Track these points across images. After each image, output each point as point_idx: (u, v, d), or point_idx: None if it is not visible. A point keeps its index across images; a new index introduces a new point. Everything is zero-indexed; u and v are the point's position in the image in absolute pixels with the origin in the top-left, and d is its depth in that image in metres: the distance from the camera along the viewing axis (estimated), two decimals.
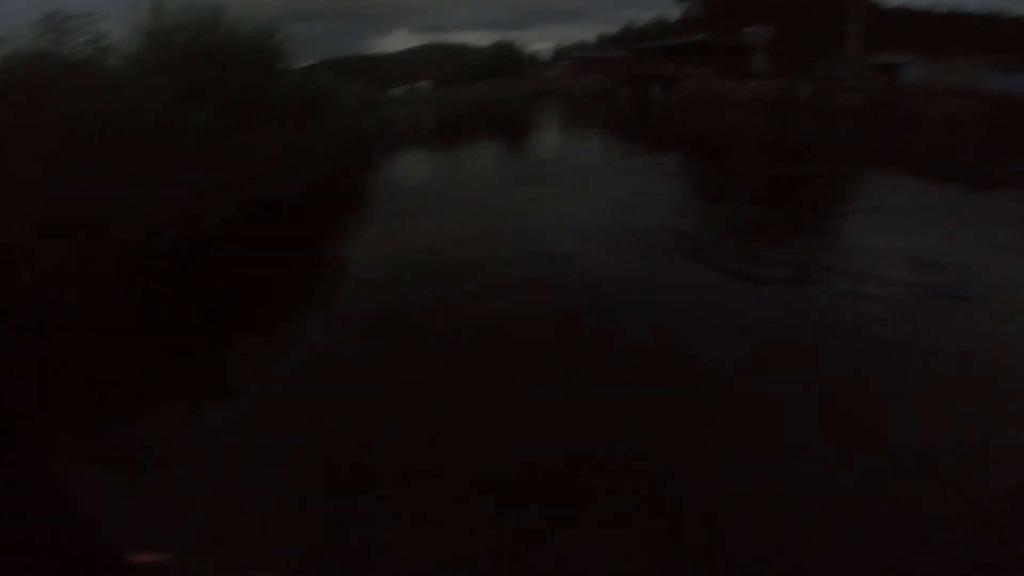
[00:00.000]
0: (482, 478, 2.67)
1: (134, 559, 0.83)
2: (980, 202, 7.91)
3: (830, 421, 3.02)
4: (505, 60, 62.87)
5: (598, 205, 8.43)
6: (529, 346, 4.05)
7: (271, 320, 5.06)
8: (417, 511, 2.45)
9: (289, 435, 3.10)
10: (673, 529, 2.33)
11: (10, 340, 4.22)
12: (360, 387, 3.66)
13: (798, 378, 3.49)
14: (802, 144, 15.38)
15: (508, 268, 5.64)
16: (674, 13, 53.17)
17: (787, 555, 2.16)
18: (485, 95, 47.65)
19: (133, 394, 3.76)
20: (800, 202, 8.52)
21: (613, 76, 40.75)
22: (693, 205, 8.91)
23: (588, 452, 2.85)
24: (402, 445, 2.96)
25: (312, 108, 12.02)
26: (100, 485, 2.80)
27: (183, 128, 6.91)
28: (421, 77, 77.15)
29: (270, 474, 2.76)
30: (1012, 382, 3.41)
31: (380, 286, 5.59)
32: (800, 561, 2.14)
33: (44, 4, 6.65)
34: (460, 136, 21.37)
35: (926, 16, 35.41)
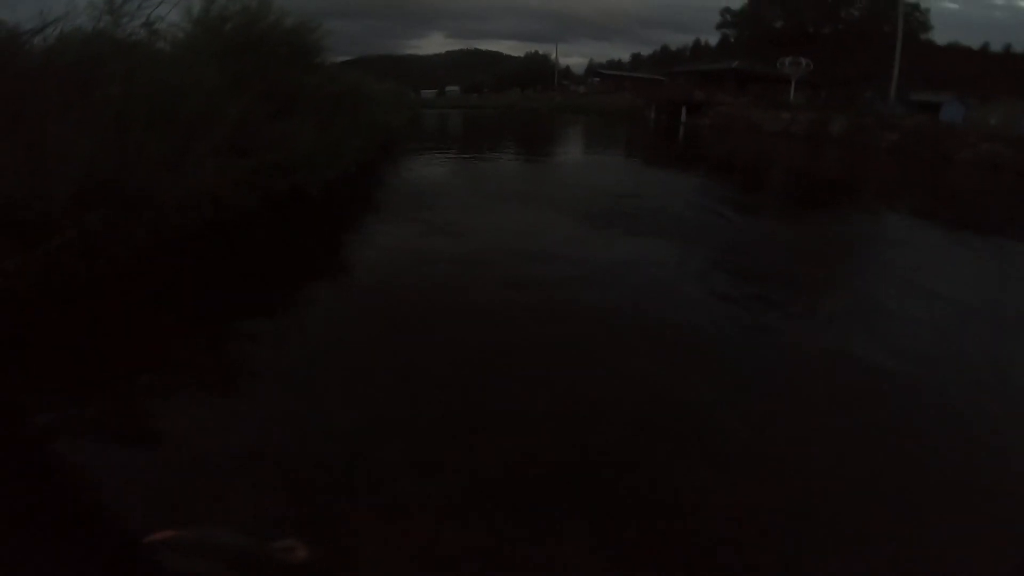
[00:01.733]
0: None
1: (153, 539, 0.79)
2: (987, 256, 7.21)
3: None
4: (537, 71, 63.36)
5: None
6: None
7: (267, 301, 5.07)
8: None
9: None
10: None
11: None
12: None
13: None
14: (823, 180, 14.89)
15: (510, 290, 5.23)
16: (712, 38, 53.44)
17: None
18: (515, 104, 48.06)
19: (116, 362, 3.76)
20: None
21: (644, 96, 40.79)
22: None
23: None
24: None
25: (346, 104, 12.10)
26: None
27: (223, 114, 6.99)
28: (453, 81, 78.08)
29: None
30: None
31: (376, 280, 5.60)
32: None
33: None
34: (486, 144, 21.25)
35: (974, 55, 34.97)
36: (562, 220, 8.24)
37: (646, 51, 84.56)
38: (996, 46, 44.38)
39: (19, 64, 5.31)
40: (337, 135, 10.45)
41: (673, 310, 4.86)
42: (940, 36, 37.39)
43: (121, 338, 4.07)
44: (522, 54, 77.92)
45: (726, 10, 43.50)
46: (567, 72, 75.40)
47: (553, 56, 65.82)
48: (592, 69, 68.43)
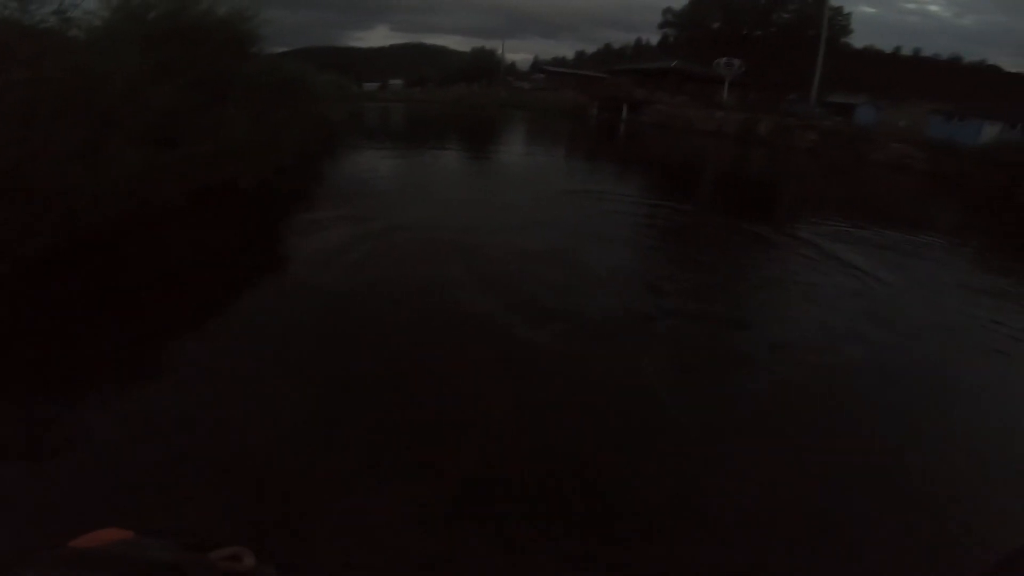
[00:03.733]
0: None
1: (76, 545, 0.67)
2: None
3: None
4: (483, 67, 63.11)
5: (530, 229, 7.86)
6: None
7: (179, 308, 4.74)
8: None
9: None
10: None
11: None
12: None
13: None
14: (753, 182, 15.62)
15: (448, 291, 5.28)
16: (654, 37, 55.03)
17: None
18: (459, 99, 47.68)
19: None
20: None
21: (587, 93, 41.59)
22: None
23: None
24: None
25: (283, 95, 11.60)
26: None
27: (142, 103, 6.65)
28: (397, 75, 76.47)
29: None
30: None
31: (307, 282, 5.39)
32: None
33: None
34: (428, 140, 20.89)
35: (887, 58, 37.66)
36: (486, 222, 8.20)
37: (591, 49, 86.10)
38: (907, 50, 48.10)
39: None
40: (273, 127, 10.05)
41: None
42: (857, 40, 40.13)
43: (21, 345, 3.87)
44: (468, 49, 77.20)
45: (668, 10, 44.86)
46: (513, 68, 75.54)
47: (499, 52, 65.90)
48: (537, 66, 69.04)
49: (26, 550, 0.62)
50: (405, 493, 2.56)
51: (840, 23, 37.35)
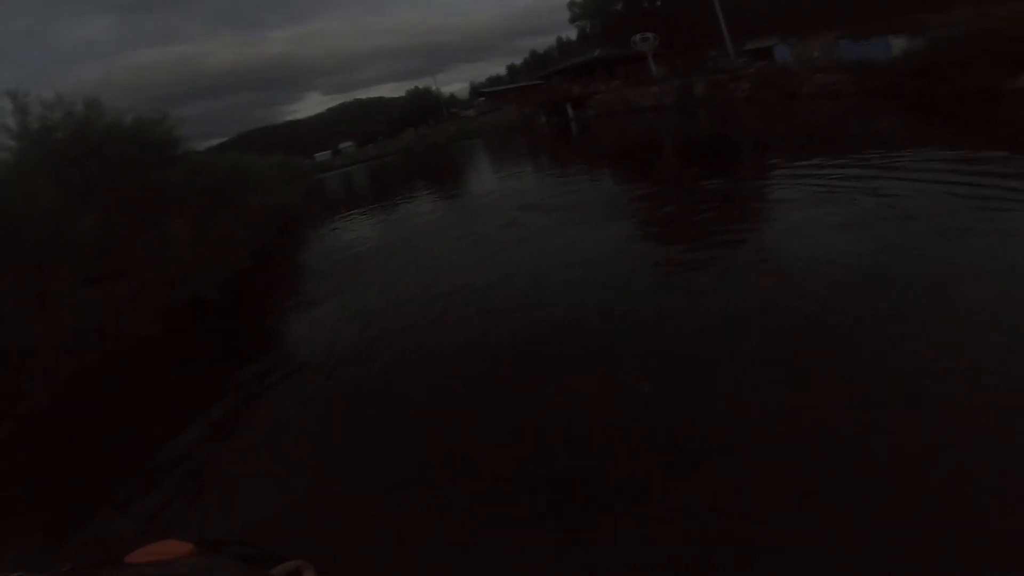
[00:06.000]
0: None
1: (141, 554, 0.65)
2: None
3: None
4: (424, 106, 64.51)
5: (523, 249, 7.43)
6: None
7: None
8: None
9: None
10: None
11: None
12: None
13: None
14: (706, 137, 16.20)
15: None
16: (571, 33, 56.49)
17: None
18: (411, 144, 48.65)
19: None
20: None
21: (529, 103, 42.48)
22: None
23: None
24: None
25: (224, 193, 11.05)
26: None
27: (73, 235, 6.18)
28: (343, 137, 77.70)
29: None
30: None
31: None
32: None
33: None
34: (393, 190, 20.18)
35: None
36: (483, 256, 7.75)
37: (517, 60, 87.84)
38: None
39: None
40: (218, 230, 9.40)
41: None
42: None
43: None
44: (404, 93, 78.66)
45: (573, 3, 45.76)
46: (453, 99, 77.25)
47: (434, 87, 67.48)
48: (475, 90, 70.38)
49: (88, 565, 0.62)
50: None
51: None
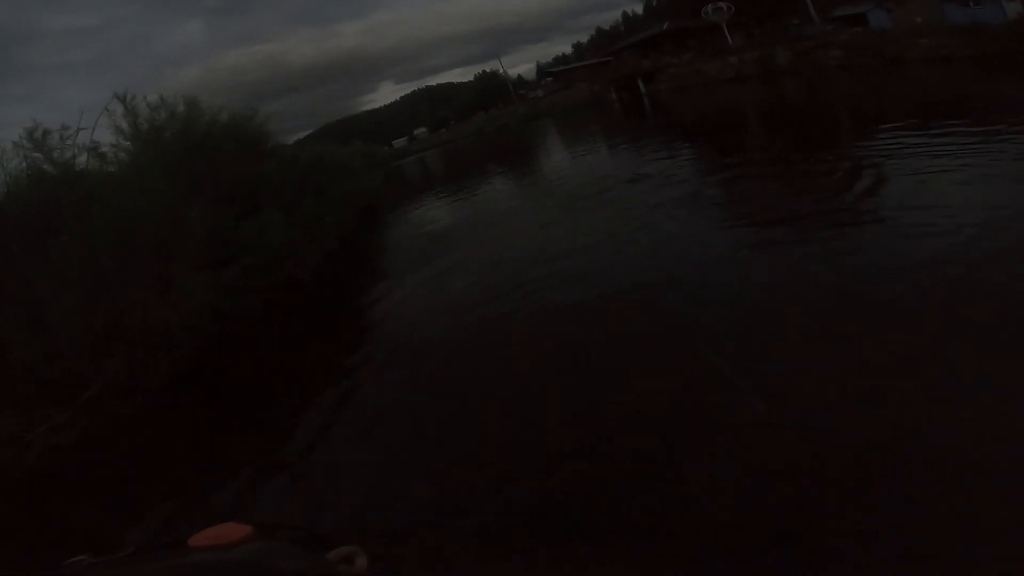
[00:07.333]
0: None
1: (202, 538, 0.67)
2: None
3: None
4: (493, 89, 64.89)
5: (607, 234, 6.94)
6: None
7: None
8: None
9: None
10: None
11: None
12: None
13: None
14: (819, 106, 14.01)
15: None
16: (637, 7, 54.53)
17: None
18: (482, 126, 49.21)
19: None
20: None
21: (598, 80, 41.72)
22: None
23: None
24: None
25: (311, 182, 11.70)
26: None
27: (186, 226, 6.91)
28: (416, 123, 79.96)
29: None
30: None
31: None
32: None
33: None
34: (468, 174, 19.93)
35: None
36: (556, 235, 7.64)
37: (583, 38, 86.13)
38: None
39: None
40: (308, 217, 10.14)
41: None
42: None
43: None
44: (472, 77, 79.43)
45: None
46: (520, 81, 77.28)
47: (501, 70, 67.70)
48: (541, 71, 69.96)
49: (152, 547, 0.65)
50: None
51: None
